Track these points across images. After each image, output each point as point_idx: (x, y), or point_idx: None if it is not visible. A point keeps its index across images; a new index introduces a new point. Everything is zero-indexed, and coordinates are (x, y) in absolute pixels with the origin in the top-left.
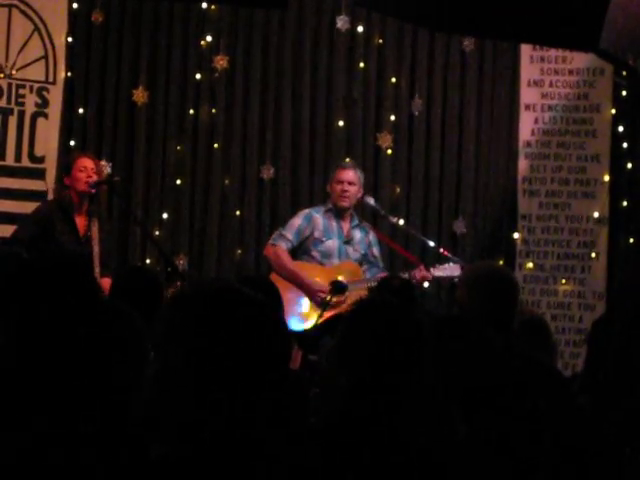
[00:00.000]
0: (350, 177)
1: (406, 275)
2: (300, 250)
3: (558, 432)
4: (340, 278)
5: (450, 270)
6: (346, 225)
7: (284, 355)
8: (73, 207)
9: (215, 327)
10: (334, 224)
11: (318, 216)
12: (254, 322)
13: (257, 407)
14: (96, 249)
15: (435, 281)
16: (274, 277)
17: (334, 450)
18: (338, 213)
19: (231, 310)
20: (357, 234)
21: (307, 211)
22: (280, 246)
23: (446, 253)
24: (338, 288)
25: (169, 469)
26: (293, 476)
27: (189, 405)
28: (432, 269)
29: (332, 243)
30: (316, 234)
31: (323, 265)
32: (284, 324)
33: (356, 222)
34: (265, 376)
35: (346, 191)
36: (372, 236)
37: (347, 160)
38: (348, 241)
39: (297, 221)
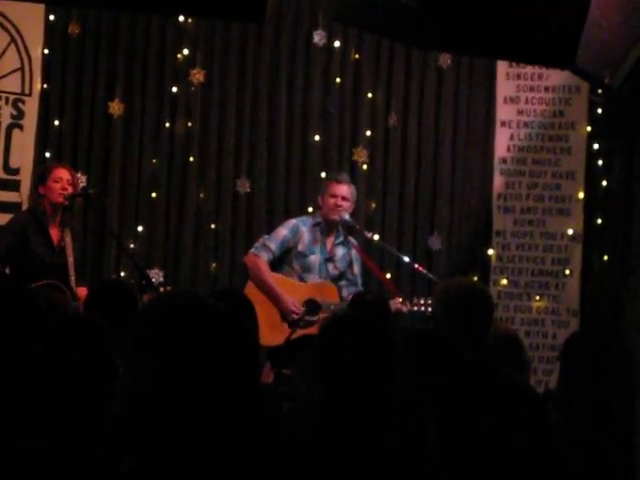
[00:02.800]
0: (344, 192)
1: None
2: (281, 261)
3: (531, 450)
4: (315, 298)
5: (425, 307)
6: (330, 241)
7: (254, 367)
8: (47, 217)
9: (184, 340)
10: (319, 239)
11: (304, 229)
12: (223, 334)
13: (228, 420)
14: (70, 259)
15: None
16: (250, 288)
17: (308, 464)
18: (325, 228)
19: (200, 322)
20: (340, 251)
21: (294, 222)
22: (262, 257)
23: (421, 269)
24: (312, 308)
25: None
26: None
27: (159, 418)
28: (408, 303)
29: (314, 258)
30: (300, 247)
31: (302, 279)
32: (253, 336)
33: (341, 239)
34: (235, 388)
35: (340, 205)
36: (354, 253)
37: (342, 173)
38: (330, 258)
39: (283, 232)
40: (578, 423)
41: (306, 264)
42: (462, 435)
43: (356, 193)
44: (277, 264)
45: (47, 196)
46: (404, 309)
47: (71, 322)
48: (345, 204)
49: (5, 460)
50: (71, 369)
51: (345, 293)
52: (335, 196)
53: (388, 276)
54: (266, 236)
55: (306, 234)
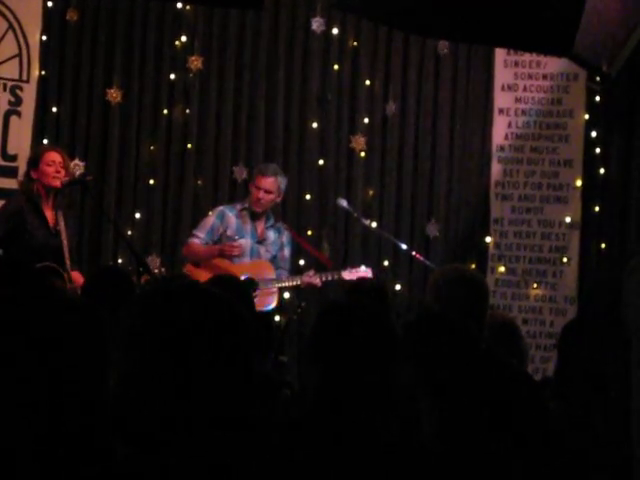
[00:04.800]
0: (268, 185)
1: (297, 281)
2: None
3: (529, 437)
4: (252, 275)
5: (362, 274)
6: (260, 225)
7: (249, 353)
8: (41, 200)
9: (179, 325)
10: (248, 223)
11: (231, 215)
12: (218, 320)
13: (223, 405)
14: (65, 242)
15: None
16: (189, 268)
17: (304, 448)
18: (253, 213)
19: (195, 308)
20: (271, 235)
21: (221, 209)
22: (193, 241)
23: (418, 256)
24: (249, 285)
25: (135, 469)
26: (263, 475)
27: (155, 403)
28: (343, 272)
29: (245, 242)
30: (229, 232)
31: (234, 263)
32: (249, 322)
33: (271, 222)
34: (230, 373)
35: (260, 199)
36: (286, 237)
37: (270, 165)
38: (261, 241)
39: (210, 219)
40: (576, 410)
41: None
42: (461, 421)
43: (284, 183)
44: None
45: (40, 180)
46: (317, 283)
47: (66, 306)
48: (267, 197)
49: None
50: (65, 354)
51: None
52: (258, 188)
53: (386, 263)
54: (194, 229)
55: (233, 219)
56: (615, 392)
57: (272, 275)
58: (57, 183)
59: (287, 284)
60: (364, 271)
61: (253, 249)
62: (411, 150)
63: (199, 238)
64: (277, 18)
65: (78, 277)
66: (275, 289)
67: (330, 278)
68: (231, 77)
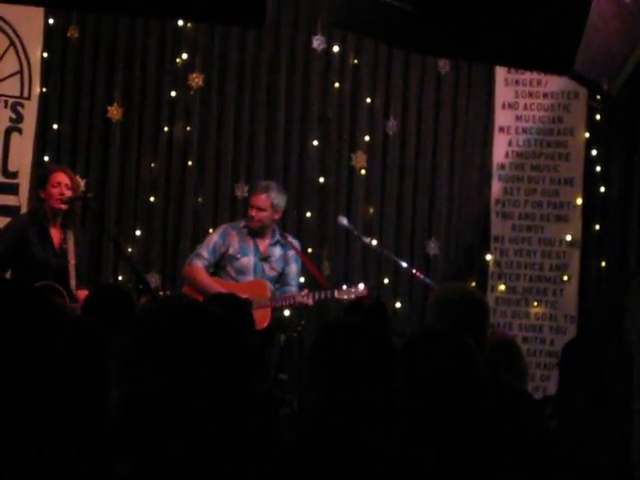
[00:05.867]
0: (259, 203)
1: (290, 301)
2: (217, 266)
3: (529, 455)
4: (245, 296)
5: (356, 293)
6: (264, 242)
7: (249, 371)
8: (47, 220)
9: (179, 345)
10: (250, 241)
11: (234, 233)
12: (217, 339)
13: (224, 424)
14: (72, 261)
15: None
16: (187, 290)
17: (305, 464)
18: (253, 230)
19: (194, 327)
20: (277, 251)
21: (224, 227)
22: (196, 265)
23: (418, 274)
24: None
25: None
26: None
27: (155, 422)
28: (336, 291)
29: (247, 260)
30: (231, 251)
31: (237, 282)
32: (248, 340)
33: (277, 239)
34: (230, 392)
35: (254, 216)
36: (292, 253)
37: (262, 183)
38: (265, 258)
39: (213, 238)
40: (577, 430)
41: (239, 267)
42: (461, 439)
43: (280, 199)
44: (214, 271)
45: (47, 200)
46: (309, 303)
47: (65, 323)
48: (260, 215)
49: None
50: (64, 371)
51: (278, 293)
52: (251, 206)
53: (386, 281)
54: (199, 245)
55: (236, 237)
56: (616, 410)
57: (265, 295)
58: (61, 206)
59: (280, 304)
60: (361, 289)
61: (257, 267)
62: (411, 168)
63: (203, 259)
64: (278, 36)
65: (84, 296)
66: (268, 309)
67: (323, 297)
68: (232, 94)
